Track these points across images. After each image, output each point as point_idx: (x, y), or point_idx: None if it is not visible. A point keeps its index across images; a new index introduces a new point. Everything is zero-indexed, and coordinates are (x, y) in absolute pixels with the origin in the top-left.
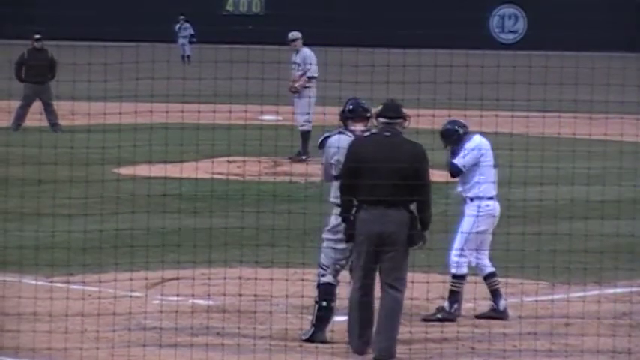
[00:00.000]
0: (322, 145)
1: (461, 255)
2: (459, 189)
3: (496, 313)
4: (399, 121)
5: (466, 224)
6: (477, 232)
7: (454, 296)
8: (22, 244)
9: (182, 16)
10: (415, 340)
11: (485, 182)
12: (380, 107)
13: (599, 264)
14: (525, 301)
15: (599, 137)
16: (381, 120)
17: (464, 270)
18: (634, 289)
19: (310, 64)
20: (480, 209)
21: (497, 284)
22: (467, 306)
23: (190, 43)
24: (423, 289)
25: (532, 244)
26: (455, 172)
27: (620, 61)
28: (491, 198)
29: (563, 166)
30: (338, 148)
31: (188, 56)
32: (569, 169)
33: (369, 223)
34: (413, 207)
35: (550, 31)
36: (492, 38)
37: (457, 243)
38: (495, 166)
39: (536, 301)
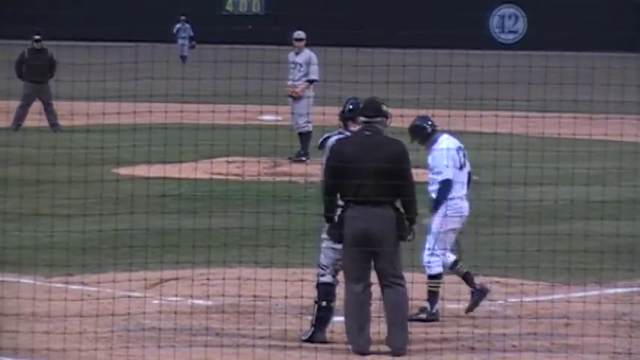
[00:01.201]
0: (322, 146)
1: (432, 254)
2: (429, 189)
3: (479, 296)
4: (378, 119)
5: (434, 224)
6: (447, 231)
7: (433, 297)
8: (21, 245)
9: (183, 17)
10: (415, 340)
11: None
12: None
13: (600, 264)
14: (525, 301)
15: (599, 137)
16: (361, 119)
17: (437, 269)
18: (634, 289)
19: (316, 64)
20: (447, 208)
21: (464, 269)
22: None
23: (191, 47)
24: (422, 289)
25: (532, 244)
26: (449, 185)
27: (620, 61)
28: (459, 197)
29: (563, 166)
30: None
31: (185, 56)
32: (569, 169)
33: (355, 221)
34: (399, 204)
35: (550, 31)
36: (492, 38)
37: (427, 244)
38: (462, 167)
39: (537, 301)
